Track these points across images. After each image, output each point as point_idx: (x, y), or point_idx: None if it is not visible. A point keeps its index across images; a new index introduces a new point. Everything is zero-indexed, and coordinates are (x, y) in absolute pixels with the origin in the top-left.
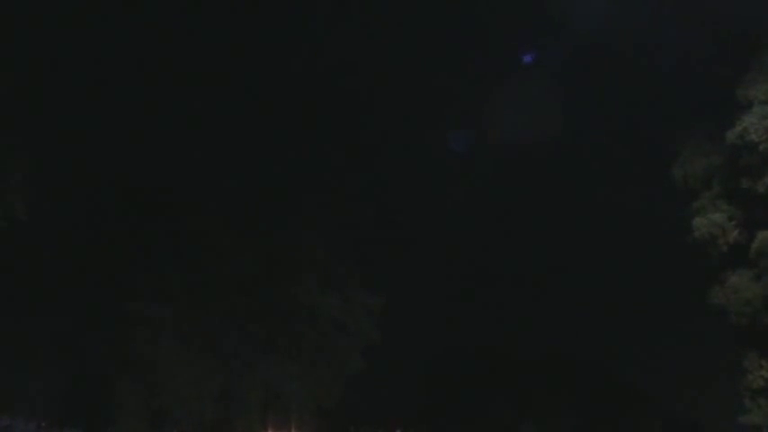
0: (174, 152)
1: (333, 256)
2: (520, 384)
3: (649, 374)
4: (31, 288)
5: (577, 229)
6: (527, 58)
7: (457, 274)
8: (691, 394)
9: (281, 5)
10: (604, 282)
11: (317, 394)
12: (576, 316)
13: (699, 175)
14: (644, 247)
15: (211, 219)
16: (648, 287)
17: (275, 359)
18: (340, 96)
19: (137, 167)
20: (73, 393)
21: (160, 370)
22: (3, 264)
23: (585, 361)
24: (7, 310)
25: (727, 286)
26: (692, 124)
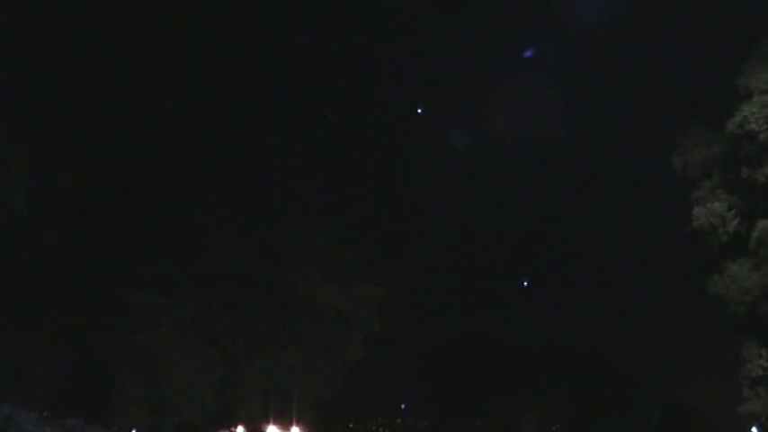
0: (173, 142)
1: (333, 246)
2: (520, 375)
3: (648, 364)
4: (31, 278)
5: (576, 221)
6: (528, 53)
7: (457, 265)
8: (689, 384)
9: (282, 3)
10: (603, 272)
11: (317, 384)
12: (575, 307)
13: (698, 164)
14: (643, 237)
15: (211, 208)
16: (647, 277)
17: (275, 349)
18: (341, 93)
19: (136, 158)
20: (73, 383)
21: (160, 360)
22: (3, 254)
23: (585, 352)
24: (7, 300)
25: (726, 276)
26: (691, 114)
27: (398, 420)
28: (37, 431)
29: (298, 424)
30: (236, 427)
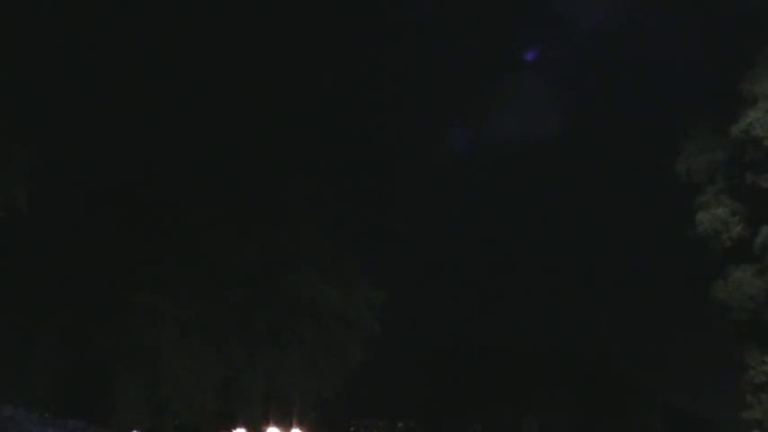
0: (175, 144)
1: (334, 248)
2: (521, 379)
3: (650, 369)
4: (32, 279)
5: (579, 225)
6: (529, 55)
7: (458, 269)
8: (691, 389)
9: (283, 5)
10: (606, 276)
11: (318, 386)
12: (577, 311)
13: (702, 169)
14: (646, 241)
15: (213, 210)
16: (650, 282)
17: (277, 351)
18: (342, 93)
19: (138, 159)
20: (75, 384)
21: (161, 361)
22: (4, 255)
23: (587, 356)
24: (9, 301)
25: (729, 281)
26: (695, 118)
27: (399, 424)
28: None
29: (298, 426)
30: (236, 428)
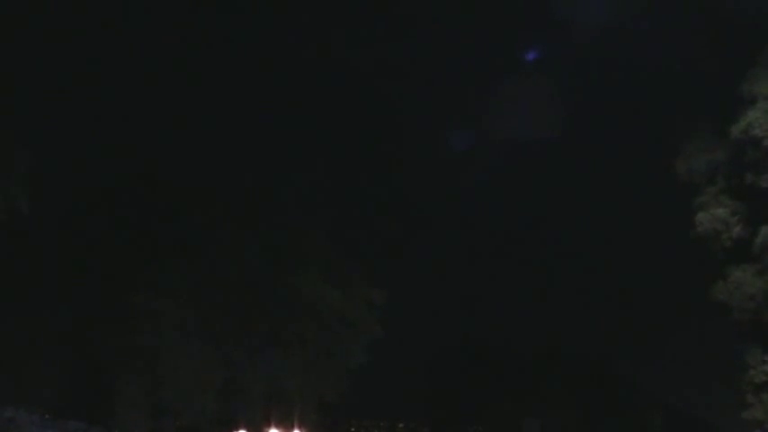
0: (175, 145)
1: (335, 250)
2: (522, 380)
3: (650, 370)
4: (33, 281)
5: (579, 226)
6: (530, 56)
7: (459, 269)
8: (691, 389)
9: (283, 4)
10: (606, 278)
11: (319, 387)
12: (577, 312)
13: (702, 170)
14: (646, 241)
15: (213, 211)
16: (651, 282)
17: (277, 353)
18: (342, 94)
19: (138, 161)
20: (75, 385)
21: (162, 363)
22: (4, 256)
23: (587, 357)
24: (10, 303)
25: (729, 281)
26: (695, 119)
27: (400, 425)
28: None
29: (299, 427)
30: (237, 429)
